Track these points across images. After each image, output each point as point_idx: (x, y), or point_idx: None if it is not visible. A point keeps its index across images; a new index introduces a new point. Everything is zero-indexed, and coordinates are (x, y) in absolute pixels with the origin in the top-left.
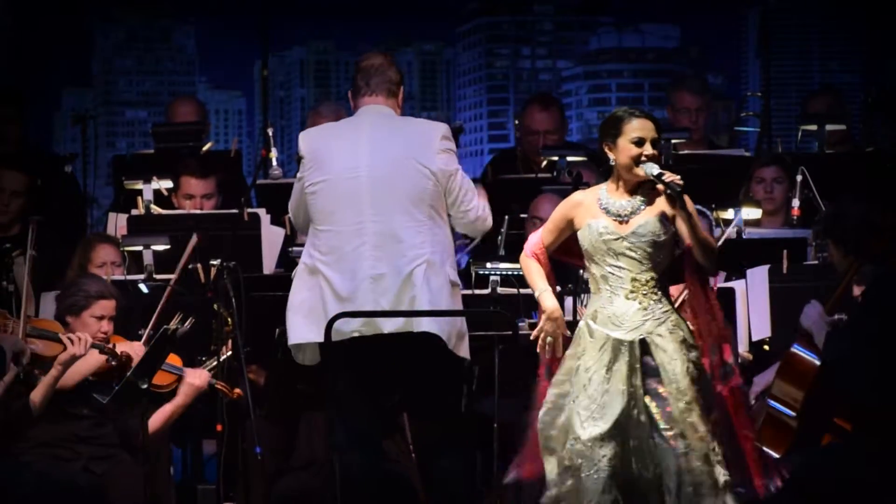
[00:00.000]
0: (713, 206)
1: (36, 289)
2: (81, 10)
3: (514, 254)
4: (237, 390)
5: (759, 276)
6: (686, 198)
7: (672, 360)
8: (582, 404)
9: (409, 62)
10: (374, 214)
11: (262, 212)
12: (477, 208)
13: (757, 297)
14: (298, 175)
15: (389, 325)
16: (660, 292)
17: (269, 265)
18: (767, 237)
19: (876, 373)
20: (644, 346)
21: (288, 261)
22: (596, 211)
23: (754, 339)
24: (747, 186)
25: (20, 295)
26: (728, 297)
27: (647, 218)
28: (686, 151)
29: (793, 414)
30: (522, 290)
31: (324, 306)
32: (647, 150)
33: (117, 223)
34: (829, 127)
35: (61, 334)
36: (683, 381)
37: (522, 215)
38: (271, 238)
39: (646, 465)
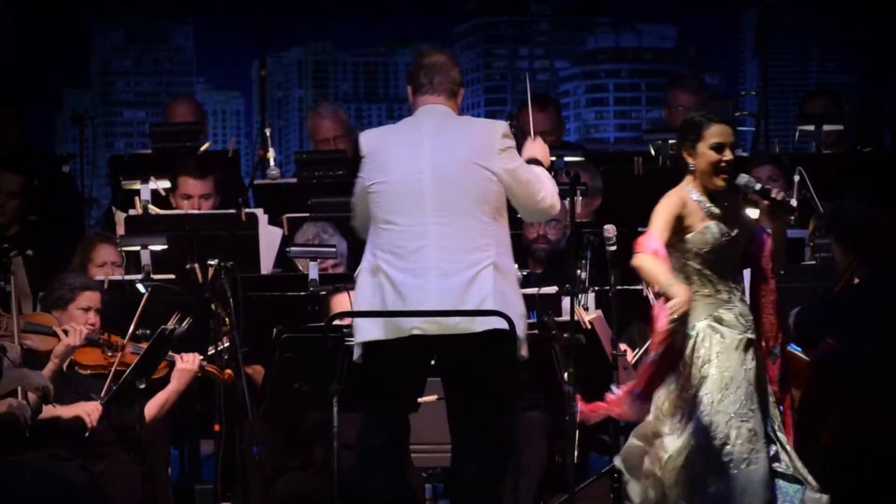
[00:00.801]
0: (708, 206)
1: (34, 289)
2: (81, 11)
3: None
4: (227, 371)
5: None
6: None
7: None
8: (730, 406)
9: (408, 63)
10: (437, 216)
11: (259, 212)
12: (546, 196)
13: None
14: (360, 175)
15: (456, 325)
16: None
17: (266, 265)
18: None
19: (871, 371)
20: (756, 345)
21: (286, 261)
22: (702, 213)
23: None
24: None
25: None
26: None
27: (738, 221)
28: None
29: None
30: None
31: (384, 305)
32: (727, 155)
33: (119, 221)
34: (826, 127)
35: (55, 326)
36: None
37: (520, 215)
38: (269, 238)
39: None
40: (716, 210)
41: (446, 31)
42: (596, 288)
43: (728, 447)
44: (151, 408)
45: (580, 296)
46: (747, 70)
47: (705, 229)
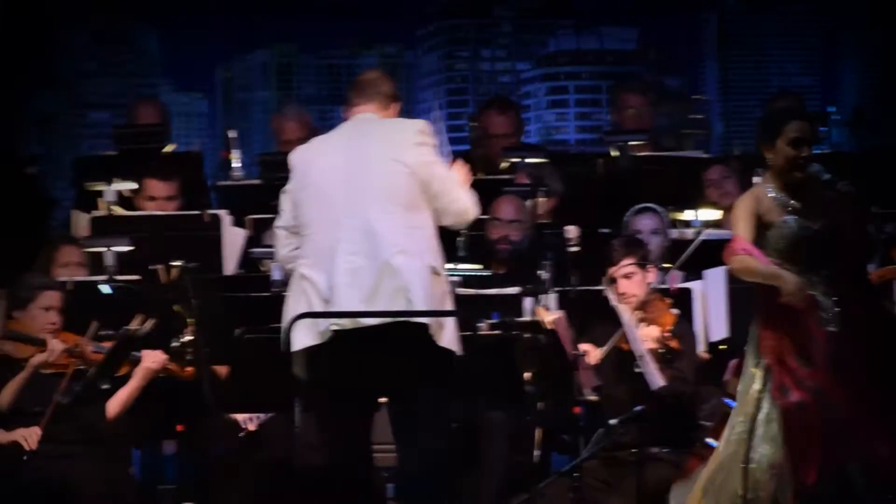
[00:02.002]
0: (671, 207)
1: None
2: (46, 12)
3: (474, 254)
4: (189, 369)
5: (716, 277)
6: None
7: None
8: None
9: (371, 65)
10: (348, 210)
11: (223, 213)
12: (459, 200)
13: (714, 298)
14: (286, 189)
15: (370, 319)
16: None
17: (230, 266)
18: (725, 238)
19: None
20: None
21: (250, 262)
22: (780, 209)
23: (712, 339)
24: (703, 190)
25: None
26: (685, 298)
27: (823, 214)
28: (644, 153)
29: None
30: (482, 291)
31: (310, 309)
32: (805, 151)
33: (79, 223)
34: None
35: (45, 336)
36: None
37: (482, 217)
38: (232, 239)
39: None
40: (796, 204)
41: (409, 34)
42: (558, 289)
43: None
44: (113, 405)
45: (542, 296)
46: (708, 72)
47: (783, 223)
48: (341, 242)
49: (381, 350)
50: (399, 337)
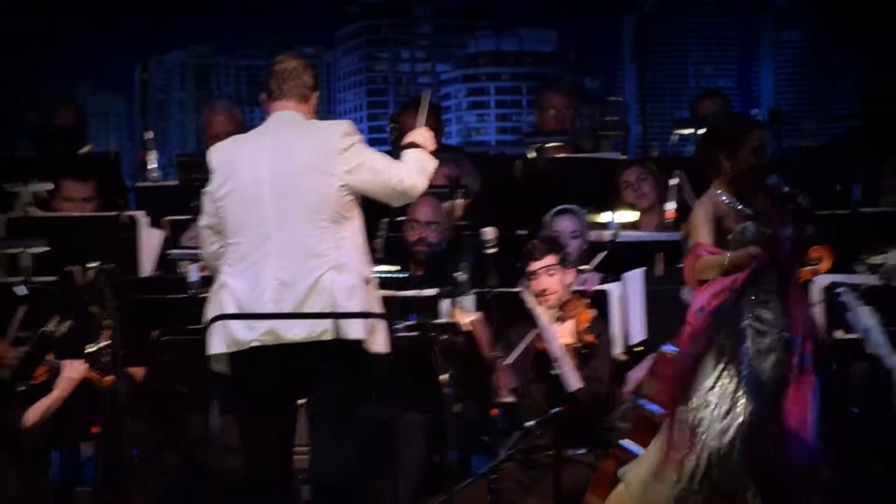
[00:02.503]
0: (588, 209)
1: None
2: None
3: (392, 256)
4: (108, 378)
5: (634, 279)
6: None
7: None
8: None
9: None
10: (278, 224)
11: (140, 214)
12: (403, 177)
13: (632, 299)
14: (207, 190)
15: (292, 334)
16: None
17: (147, 268)
18: (642, 240)
19: None
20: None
21: (168, 263)
22: (734, 215)
23: (630, 342)
24: (620, 191)
25: None
26: (602, 299)
27: (772, 222)
28: (563, 155)
29: (664, 412)
30: (399, 293)
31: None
32: (766, 160)
33: None
34: (703, 130)
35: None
36: None
37: (400, 218)
38: (149, 241)
39: None
40: (749, 211)
41: (329, 35)
42: (475, 290)
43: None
44: (33, 414)
45: (459, 298)
46: (626, 74)
47: (744, 229)
48: (270, 257)
49: (305, 360)
50: (325, 351)
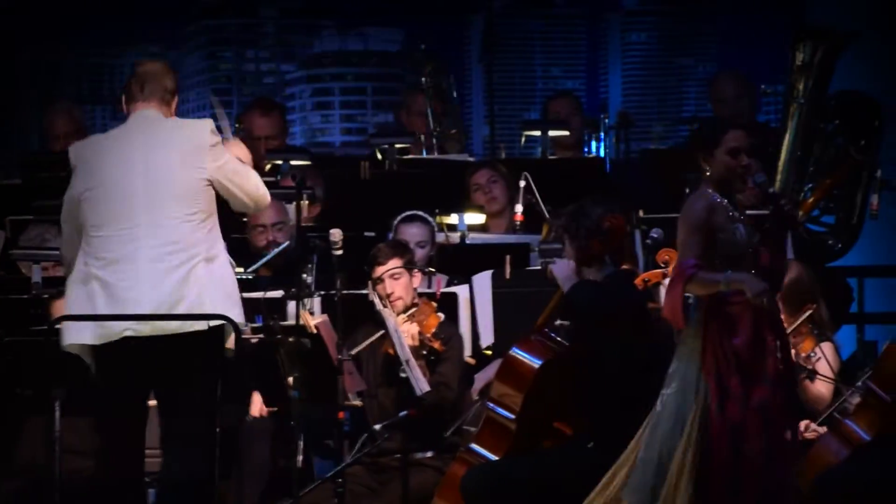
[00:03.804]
0: (437, 211)
1: None
2: None
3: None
4: None
5: (482, 282)
6: None
7: None
8: None
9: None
10: (149, 216)
11: None
12: (257, 189)
13: (481, 302)
14: (69, 188)
15: (168, 324)
16: None
17: None
18: (490, 242)
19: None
20: None
21: (8, 264)
22: (729, 216)
23: (481, 345)
24: (469, 194)
25: None
26: (451, 302)
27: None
28: (410, 156)
29: (512, 416)
30: (245, 295)
31: (95, 309)
32: (744, 160)
33: None
34: (552, 133)
35: None
36: None
37: (244, 219)
38: None
39: None
40: (738, 214)
41: (173, 33)
42: (322, 292)
43: None
44: None
45: (306, 300)
46: (474, 75)
47: (735, 230)
48: (142, 249)
49: (171, 356)
50: (192, 344)
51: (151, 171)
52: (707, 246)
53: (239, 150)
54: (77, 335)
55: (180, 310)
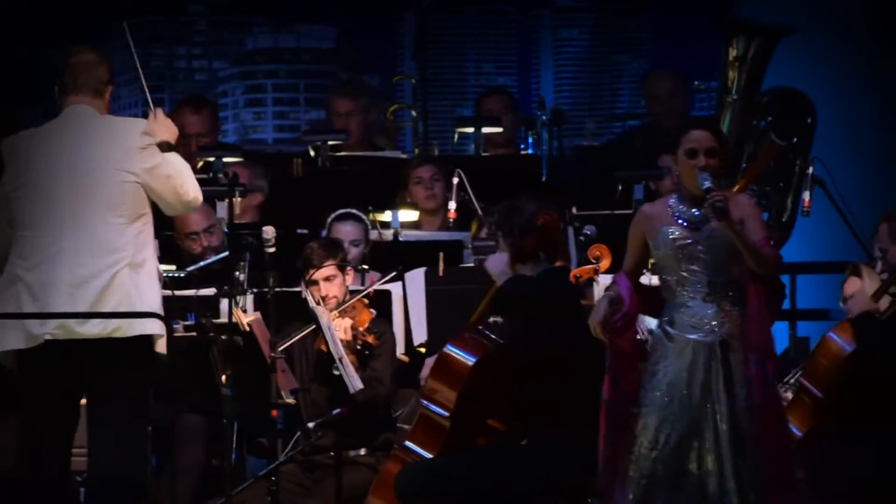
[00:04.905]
0: (370, 208)
1: None
2: None
3: (167, 255)
4: None
5: (416, 279)
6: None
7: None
8: (656, 409)
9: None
10: (74, 218)
11: None
12: (189, 188)
13: (414, 299)
14: (1, 182)
15: (83, 329)
16: (738, 296)
17: None
18: (424, 239)
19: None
20: (724, 347)
21: None
22: (668, 219)
23: (414, 342)
24: (405, 189)
25: None
26: (384, 299)
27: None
28: (343, 153)
29: (446, 414)
30: (178, 292)
31: (20, 310)
32: (701, 161)
33: None
34: (485, 129)
35: None
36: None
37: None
38: None
39: (710, 467)
40: (684, 216)
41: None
42: (255, 290)
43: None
44: None
45: (238, 298)
46: (406, 71)
47: (658, 233)
48: (65, 252)
49: (95, 356)
50: (117, 349)
51: (76, 173)
52: (640, 255)
53: (165, 130)
54: (5, 342)
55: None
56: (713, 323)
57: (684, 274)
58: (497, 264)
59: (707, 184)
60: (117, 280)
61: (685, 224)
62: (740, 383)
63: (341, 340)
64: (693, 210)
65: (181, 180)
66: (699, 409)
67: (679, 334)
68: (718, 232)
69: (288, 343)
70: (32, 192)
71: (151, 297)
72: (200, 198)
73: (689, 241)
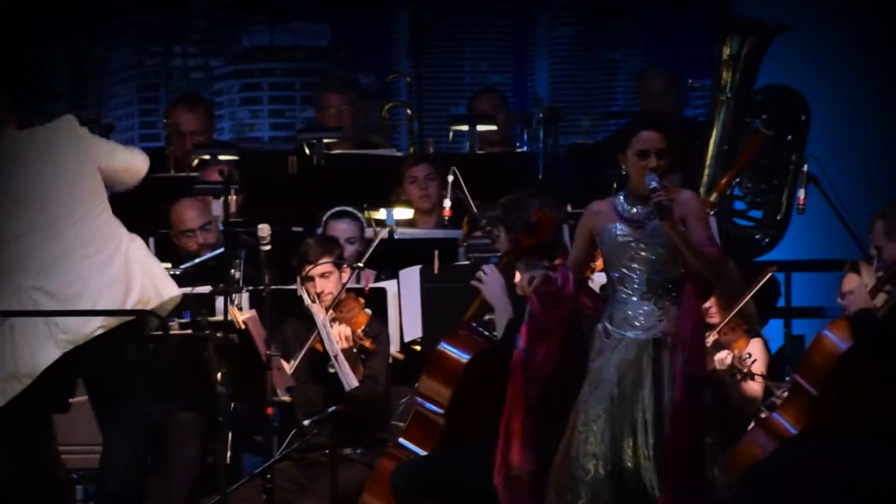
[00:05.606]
0: (365, 206)
1: None
2: None
3: (162, 253)
4: None
5: (410, 277)
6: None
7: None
8: (591, 405)
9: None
10: (68, 216)
11: None
12: (129, 167)
13: (409, 297)
14: None
15: (87, 332)
16: (677, 294)
17: None
18: (419, 237)
19: None
20: (657, 345)
21: None
22: (613, 216)
23: (406, 339)
24: (399, 187)
25: None
26: (379, 297)
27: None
28: (338, 151)
29: (440, 411)
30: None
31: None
32: (652, 162)
33: None
34: (479, 127)
35: None
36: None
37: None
38: None
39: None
40: (627, 214)
41: (100, 28)
42: (250, 287)
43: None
44: None
45: (234, 295)
46: (401, 69)
47: (605, 230)
48: (75, 250)
49: (101, 353)
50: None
51: (53, 174)
52: (585, 251)
53: None
54: (44, 356)
55: (134, 295)
56: (649, 320)
57: (625, 271)
58: (494, 289)
59: (654, 184)
60: (131, 256)
61: (630, 222)
62: (668, 381)
63: (342, 349)
64: (638, 208)
65: (121, 159)
66: (631, 405)
67: (616, 331)
68: (661, 231)
69: (299, 357)
70: (12, 199)
71: (164, 290)
72: (144, 166)
73: (632, 239)
